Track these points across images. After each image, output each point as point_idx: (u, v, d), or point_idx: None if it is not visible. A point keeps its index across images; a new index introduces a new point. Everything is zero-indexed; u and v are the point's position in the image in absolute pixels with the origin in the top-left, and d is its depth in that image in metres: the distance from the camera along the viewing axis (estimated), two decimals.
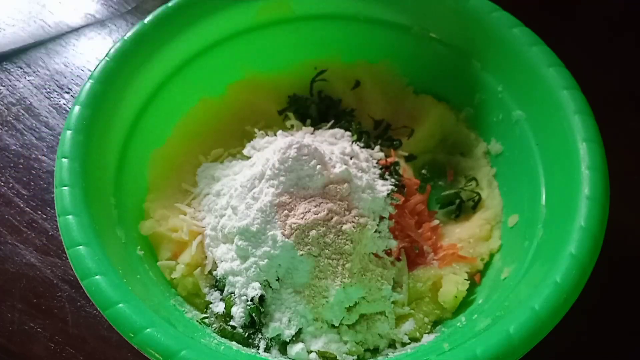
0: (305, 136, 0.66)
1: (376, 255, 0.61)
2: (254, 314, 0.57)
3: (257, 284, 0.57)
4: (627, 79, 0.84)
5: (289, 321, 0.56)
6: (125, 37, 0.64)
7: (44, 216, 0.74)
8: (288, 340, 0.56)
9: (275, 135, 0.67)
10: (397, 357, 0.56)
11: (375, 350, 0.58)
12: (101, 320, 0.66)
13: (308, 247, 0.57)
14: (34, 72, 0.87)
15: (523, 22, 0.65)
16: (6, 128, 0.82)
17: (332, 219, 0.58)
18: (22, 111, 0.83)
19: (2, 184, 0.77)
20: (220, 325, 0.57)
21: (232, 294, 0.58)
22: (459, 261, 0.63)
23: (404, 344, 0.58)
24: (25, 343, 0.65)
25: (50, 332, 0.66)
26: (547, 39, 0.63)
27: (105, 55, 0.63)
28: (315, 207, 0.58)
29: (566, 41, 0.68)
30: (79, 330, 0.66)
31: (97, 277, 0.51)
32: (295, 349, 0.56)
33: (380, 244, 0.61)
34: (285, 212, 0.58)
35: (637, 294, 0.68)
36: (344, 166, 0.60)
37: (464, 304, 0.61)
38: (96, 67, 0.62)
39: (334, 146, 0.65)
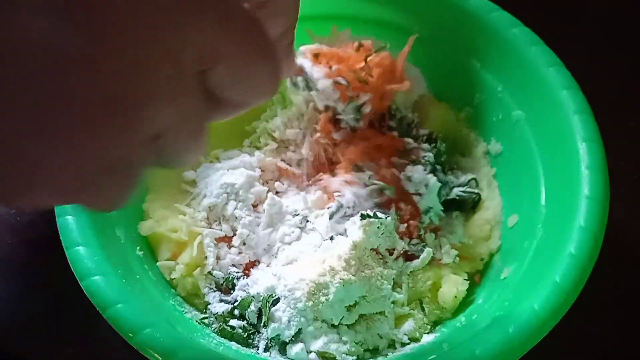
0: None
1: (377, 251, 0.60)
2: (263, 309, 0.57)
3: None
4: (627, 78, 0.83)
5: (289, 321, 0.56)
6: None
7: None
8: (287, 341, 0.56)
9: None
10: (397, 357, 0.56)
11: (375, 351, 0.58)
12: (101, 321, 0.66)
13: None
14: None
15: (523, 22, 0.65)
16: None
17: None
18: None
19: None
20: (220, 326, 0.57)
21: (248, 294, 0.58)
22: (459, 261, 0.63)
23: (403, 344, 0.58)
24: (24, 343, 0.65)
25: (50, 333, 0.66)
26: (546, 38, 0.64)
27: None
28: None
29: (566, 41, 0.68)
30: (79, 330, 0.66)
31: (96, 277, 0.51)
32: (295, 349, 0.56)
33: (382, 242, 0.60)
34: None
35: (638, 294, 0.68)
36: None
37: (464, 304, 0.61)
38: None
39: None
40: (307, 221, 0.62)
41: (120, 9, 0.25)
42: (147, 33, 0.26)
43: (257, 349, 0.57)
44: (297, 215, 0.62)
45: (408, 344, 0.58)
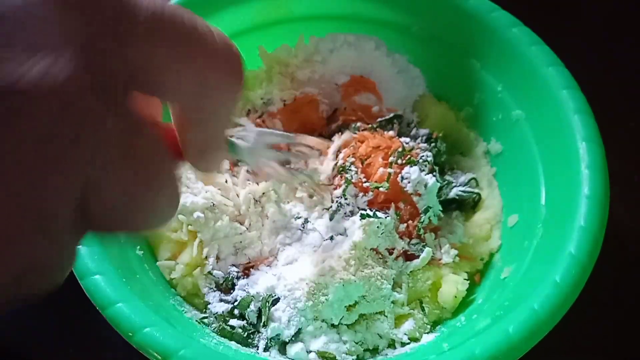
0: None
1: (377, 251, 0.60)
2: (262, 308, 0.57)
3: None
4: (627, 78, 0.83)
5: (289, 321, 0.56)
6: None
7: None
8: (287, 341, 0.56)
9: None
10: (397, 357, 0.56)
11: (375, 350, 0.58)
12: (101, 320, 0.66)
13: None
14: None
15: (522, 22, 0.65)
16: None
17: None
18: None
19: None
20: (220, 325, 0.57)
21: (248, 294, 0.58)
22: (459, 261, 0.63)
23: (403, 344, 0.58)
24: (24, 343, 0.65)
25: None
26: (546, 38, 0.63)
27: None
28: None
29: (566, 40, 0.68)
30: (79, 330, 0.66)
31: (96, 276, 0.51)
32: (295, 349, 0.56)
33: (382, 241, 0.60)
34: None
35: (638, 294, 0.68)
36: None
37: (464, 303, 0.61)
38: None
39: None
40: (308, 222, 0.62)
41: None
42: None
43: (257, 349, 0.57)
44: (300, 218, 0.62)
45: (408, 343, 0.58)
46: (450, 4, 0.67)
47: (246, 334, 0.57)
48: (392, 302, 0.59)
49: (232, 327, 0.57)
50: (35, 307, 0.67)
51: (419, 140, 0.68)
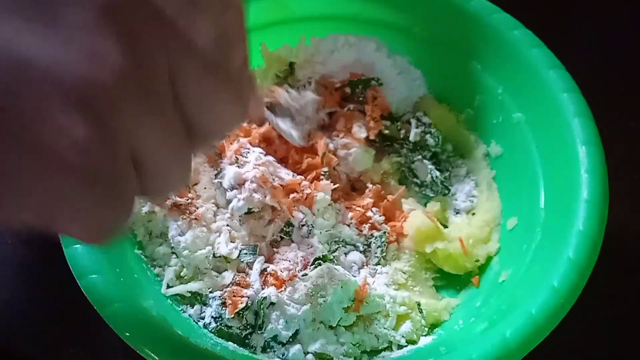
0: None
1: None
2: (258, 310, 0.57)
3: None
4: (627, 78, 0.83)
5: (286, 322, 0.56)
6: None
7: None
8: (285, 342, 0.56)
9: None
10: (394, 359, 0.56)
11: (372, 352, 0.58)
12: (102, 320, 0.66)
13: None
14: None
15: (522, 21, 0.65)
16: None
17: None
18: None
19: None
20: (217, 326, 0.57)
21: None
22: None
23: (400, 347, 0.58)
24: (25, 343, 0.65)
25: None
26: (546, 38, 0.63)
27: None
28: None
29: (566, 40, 0.68)
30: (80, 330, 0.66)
31: (94, 276, 0.51)
32: (292, 350, 0.56)
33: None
34: None
35: (638, 295, 0.68)
36: None
37: (462, 306, 0.61)
38: None
39: None
40: (313, 227, 0.62)
41: None
42: None
43: (254, 350, 0.57)
44: (304, 225, 0.62)
45: (405, 346, 0.58)
46: (451, 5, 0.67)
47: (244, 334, 0.57)
48: (391, 297, 0.59)
49: (230, 328, 0.57)
50: (35, 307, 0.67)
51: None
